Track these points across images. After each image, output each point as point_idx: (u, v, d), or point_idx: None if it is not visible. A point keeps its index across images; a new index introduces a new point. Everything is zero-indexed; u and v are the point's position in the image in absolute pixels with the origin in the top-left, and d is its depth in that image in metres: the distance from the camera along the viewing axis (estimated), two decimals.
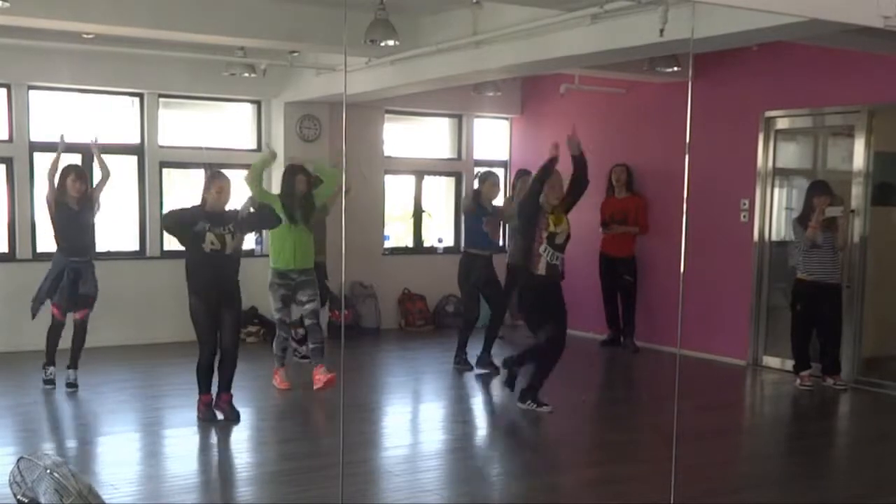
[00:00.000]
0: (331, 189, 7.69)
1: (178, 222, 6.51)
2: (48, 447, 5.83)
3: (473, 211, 8.47)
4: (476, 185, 8.80)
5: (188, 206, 6.62)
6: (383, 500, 5.24)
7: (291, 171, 7.57)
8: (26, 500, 4.14)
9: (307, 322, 7.65)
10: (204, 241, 6.38)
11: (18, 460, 4.25)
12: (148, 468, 5.76)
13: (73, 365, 7.39)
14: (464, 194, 10.78)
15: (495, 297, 8.47)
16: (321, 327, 7.67)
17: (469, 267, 8.45)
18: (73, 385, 7.34)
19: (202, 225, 6.40)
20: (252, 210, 6.87)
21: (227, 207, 6.58)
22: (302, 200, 7.45)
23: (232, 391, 6.64)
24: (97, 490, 4.28)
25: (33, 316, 7.33)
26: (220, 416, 6.57)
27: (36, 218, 9.18)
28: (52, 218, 7.40)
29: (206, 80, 9.47)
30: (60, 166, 7.33)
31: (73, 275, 7.27)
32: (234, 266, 6.59)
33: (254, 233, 7.38)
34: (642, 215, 9.58)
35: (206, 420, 6.51)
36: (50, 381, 7.38)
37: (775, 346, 8.74)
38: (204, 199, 6.53)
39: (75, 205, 7.32)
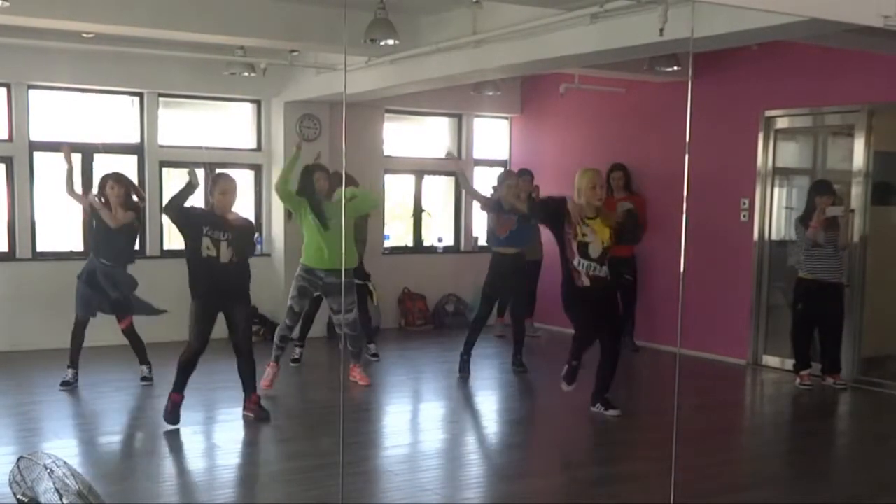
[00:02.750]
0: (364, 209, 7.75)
1: (179, 212, 6.40)
2: (50, 447, 5.83)
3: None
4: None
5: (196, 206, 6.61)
6: (383, 500, 5.24)
7: (308, 172, 7.48)
8: (26, 500, 4.13)
9: (346, 331, 7.50)
10: (201, 245, 6.30)
11: (18, 460, 4.25)
12: (148, 468, 5.76)
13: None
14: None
15: None
16: (359, 334, 7.73)
17: None
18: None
19: (201, 228, 6.30)
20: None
21: (233, 210, 6.48)
22: (325, 199, 7.43)
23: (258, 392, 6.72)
24: (97, 490, 4.28)
25: None
26: (250, 416, 6.60)
27: (36, 217, 9.19)
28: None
29: (206, 79, 9.47)
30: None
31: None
32: (236, 273, 6.45)
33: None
34: (641, 214, 9.56)
35: (169, 422, 6.40)
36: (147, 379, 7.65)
37: (775, 345, 8.74)
38: (208, 202, 6.52)
39: None
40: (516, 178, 8.49)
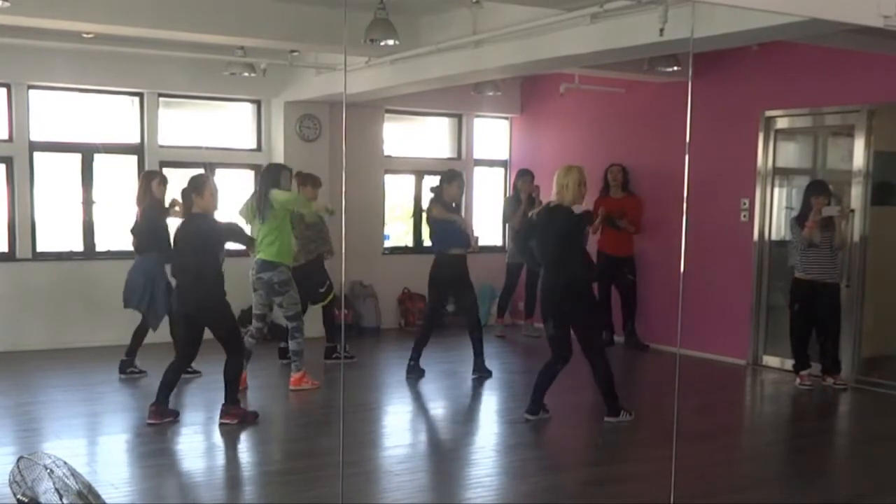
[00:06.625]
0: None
1: None
2: (50, 447, 5.83)
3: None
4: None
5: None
6: (383, 500, 5.24)
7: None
8: (26, 500, 4.13)
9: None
10: None
11: (18, 460, 4.24)
12: (148, 468, 5.76)
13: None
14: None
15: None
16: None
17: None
18: None
19: None
20: None
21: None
22: None
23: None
24: (97, 490, 4.27)
25: None
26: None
27: (36, 218, 9.19)
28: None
29: (206, 79, 9.47)
30: None
31: None
32: None
33: None
34: (637, 215, 9.55)
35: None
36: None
37: (775, 345, 8.74)
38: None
39: None
40: (460, 177, 8.55)
